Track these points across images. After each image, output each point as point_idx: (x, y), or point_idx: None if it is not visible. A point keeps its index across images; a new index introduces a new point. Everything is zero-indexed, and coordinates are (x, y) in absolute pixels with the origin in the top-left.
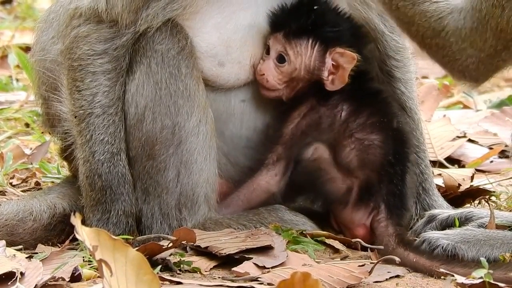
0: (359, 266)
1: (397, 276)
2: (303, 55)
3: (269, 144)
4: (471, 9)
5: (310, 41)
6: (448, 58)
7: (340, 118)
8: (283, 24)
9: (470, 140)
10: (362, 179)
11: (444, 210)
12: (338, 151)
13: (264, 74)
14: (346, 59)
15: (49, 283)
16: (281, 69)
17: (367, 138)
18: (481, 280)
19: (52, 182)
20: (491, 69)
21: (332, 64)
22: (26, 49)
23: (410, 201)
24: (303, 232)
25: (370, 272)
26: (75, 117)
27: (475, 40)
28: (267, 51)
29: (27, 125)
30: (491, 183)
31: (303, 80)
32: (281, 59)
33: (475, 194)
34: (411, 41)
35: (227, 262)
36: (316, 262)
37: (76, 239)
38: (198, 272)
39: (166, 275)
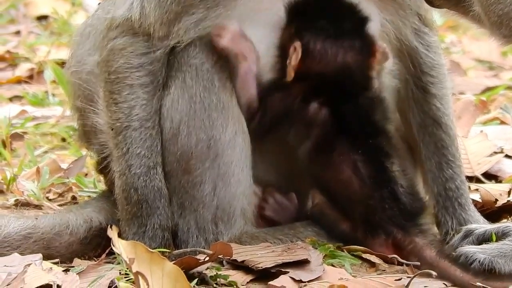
0: (395, 280)
1: None
2: None
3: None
4: None
5: None
6: None
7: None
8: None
9: (507, 156)
10: (358, 215)
11: (481, 225)
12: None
13: None
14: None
15: None
16: None
17: (335, 178)
18: None
19: (89, 196)
20: None
21: None
22: (62, 64)
23: (418, 202)
24: (340, 246)
25: (406, 286)
26: (112, 129)
27: None
28: None
29: (63, 139)
30: None
31: None
32: None
33: None
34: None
35: (263, 276)
36: (353, 276)
37: (113, 253)
38: (235, 286)
39: None
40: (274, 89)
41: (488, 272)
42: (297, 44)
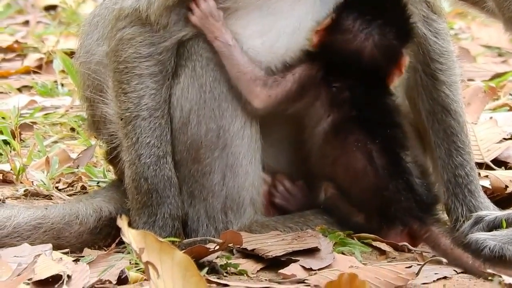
0: (406, 267)
1: (445, 278)
2: None
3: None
4: None
5: None
6: None
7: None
8: None
9: None
10: (373, 207)
11: (491, 211)
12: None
13: None
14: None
15: (96, 285)
16: None
17: (349, 166)
18: None
19: (98, 186)
20: None
21: None
22: (71, 54)
23: (433, 192)
24: (350, 234)
25: (417, 274)
26: (121, 119)
27: None
28: None
29: (72, 129)
30: None
31: None
32: None
33: None
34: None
35: (273, 264)
36: (363, 264)
37: (122, 243)
38: (245, 275)
39: (212, 278)
40: (304, 58)
41: (499, 258)
42: (331, 15)
